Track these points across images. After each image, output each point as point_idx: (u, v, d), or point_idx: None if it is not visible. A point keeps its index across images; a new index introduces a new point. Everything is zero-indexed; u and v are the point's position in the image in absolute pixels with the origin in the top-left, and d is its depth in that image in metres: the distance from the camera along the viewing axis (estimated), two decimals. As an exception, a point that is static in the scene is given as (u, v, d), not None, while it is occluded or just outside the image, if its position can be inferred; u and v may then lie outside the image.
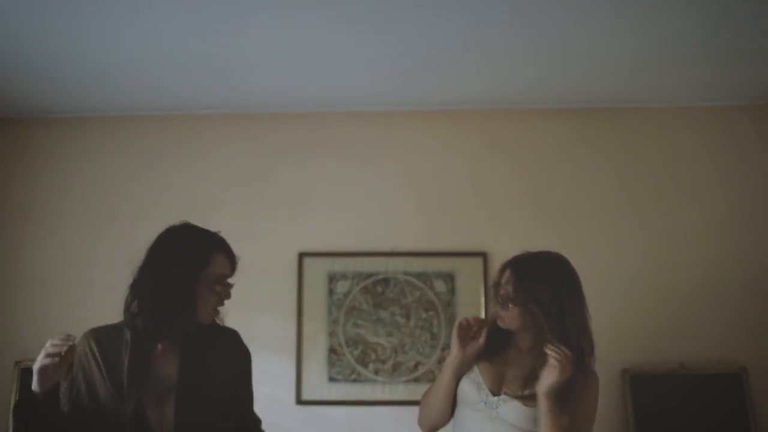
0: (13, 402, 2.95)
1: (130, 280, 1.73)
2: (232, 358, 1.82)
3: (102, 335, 1.74)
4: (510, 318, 1.82)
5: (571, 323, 1.77)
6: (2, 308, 3.11)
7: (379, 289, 3.12)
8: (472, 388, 1.83)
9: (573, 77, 2.98)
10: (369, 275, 3.13)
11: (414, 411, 2.97)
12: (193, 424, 1.67)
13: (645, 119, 3.25)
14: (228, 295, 1.78)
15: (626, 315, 3.01)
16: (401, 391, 3.02)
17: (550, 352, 1.69)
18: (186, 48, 2.67)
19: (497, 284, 1.88)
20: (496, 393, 1.80)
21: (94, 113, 3.27)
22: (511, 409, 1.77)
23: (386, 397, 3.02)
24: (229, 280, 1.79)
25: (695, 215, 3.14)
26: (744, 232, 3.11)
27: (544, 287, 1.78)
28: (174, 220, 3.13)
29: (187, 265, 1.70)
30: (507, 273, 1.86)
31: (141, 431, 1.63)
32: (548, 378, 1.69)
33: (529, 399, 1.76)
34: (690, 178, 3.18)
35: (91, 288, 3.11)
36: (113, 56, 2.73)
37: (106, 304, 3.05)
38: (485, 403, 1.79)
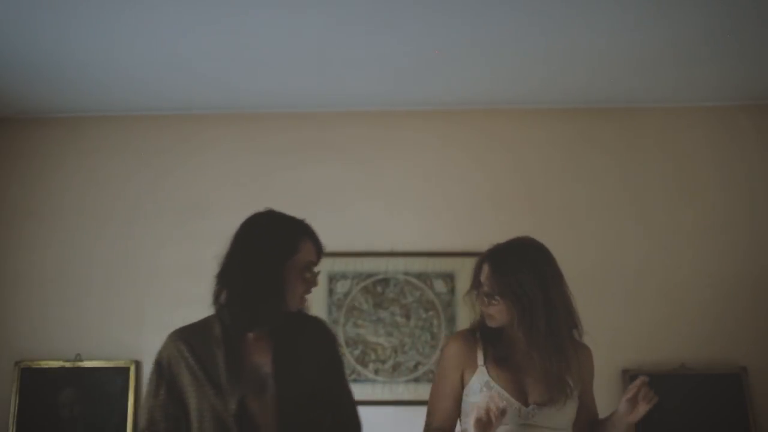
0: (13, 402, 2.95)
1: (217, 270, 1.69)
2: (323, 344, 1.79)
3: (189, 335, 1.69)
4: (499, 313, 1.79)
5: (560, 304, 1.77)
6: (2, 308, 3.11)
7: (379, 289, 3.12)
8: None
9: (574, 77, 2.97)
10: (369, 275, 3.12)
11: (414, 411, 2.97)
12: (295, 409, 1.63)
13: (647, 119, 3.24)
14: (316, 283, 1.75)
15: (627, 315, 3.01)
16: (401, 391, 3.02)
17: (637, 390, 1.73)
18: (185, 48, 2.67)
19: (477, 283, 1.85)
20: (524, 402, 1.77)
21: (92, 113, 3.27)
22: (547, 415, 1.75)
23: (386, 397, 3.02)
24: (316, 268, 1.76)
25: (696, 215, 3.14)
26: (745, 232, 3.11)
27: (525, 274, 1.76)
28: (173, 220, 3.17)
29: (275, 253, 1.66)
30: (485, 268, 1.83)
31: (246, 423, 1.59)
32: (639, 412, 1.73)
33: (556, 402, 1.75)
34: (691, 178, 3.18)
35: (90, 288, 3.12)
36: (111, 56, 2.72)
37: (105, 303, 3.10)
38: (519, 415, 1.76)
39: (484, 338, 1.86)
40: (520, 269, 1.77)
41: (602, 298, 3.03)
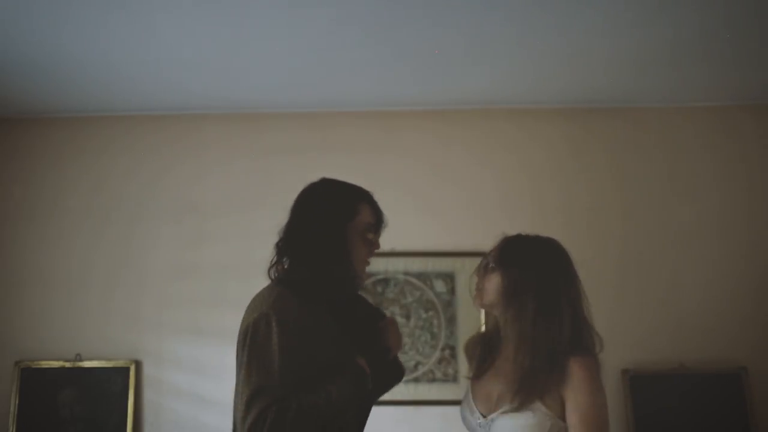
0: (13, 402, 2.95)
1: (279, 240, 1.72)
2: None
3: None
4: (493, 286, 1.74)
5: (564, 305, 1.67)
6: (2, 308, 3.11)
7: (379, 289, 3.12)
8: (467, 414, 1.78)
9: (573, 77, 2.97)
10: (369, 275, 3.12)
11: (414, 411, 2.98)
12: None
13: (647, 119, 3.25)
14: (378, 245, 1.78)
15: (626, 315, 3.01)
16: (401, 391, 3.00)
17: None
18: (186, 48, 2.67)
19: (484, 264, 1.81)
20: (488, 413, 1.71)
21: (94, 113, 3.27)
22: (502, 426, 1.66)
23: (386, 397, 2.99)
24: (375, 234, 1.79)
25: (695, 215, 3.14)
26: (744, 232, 3.11)
27: (529, 258, 1.73)
28: (173, 220, 3.17)
29: (336, 217, 1.69)
30: (494, 249, 1.82)
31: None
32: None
33: (519, 409, 1.63)
34: (691, 178, 3.18)
35: (90, 288, 3.12)
36: (111, 56, 2.72)
37: (105, 303, 3.10)
38: (480, 426, 1.71)
39: (484, 348, 1.86)
40: (526, 251, 1.75)
41: (602, 298, 3.02)
